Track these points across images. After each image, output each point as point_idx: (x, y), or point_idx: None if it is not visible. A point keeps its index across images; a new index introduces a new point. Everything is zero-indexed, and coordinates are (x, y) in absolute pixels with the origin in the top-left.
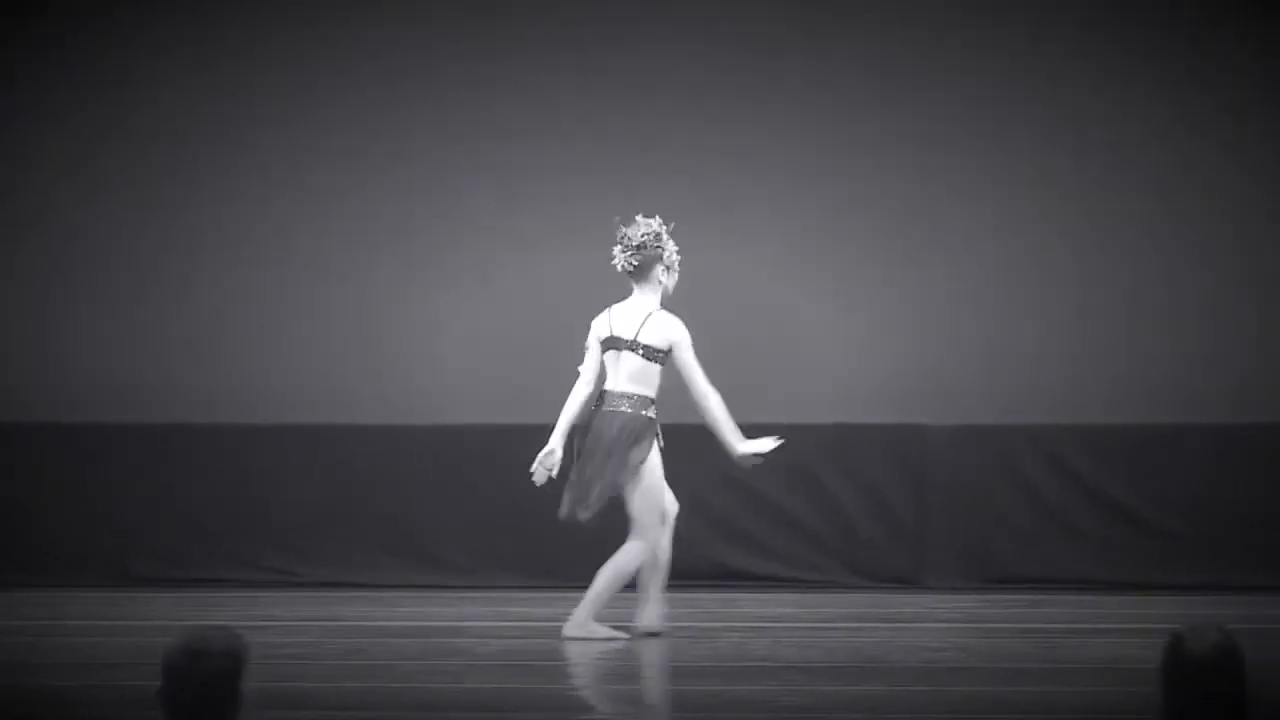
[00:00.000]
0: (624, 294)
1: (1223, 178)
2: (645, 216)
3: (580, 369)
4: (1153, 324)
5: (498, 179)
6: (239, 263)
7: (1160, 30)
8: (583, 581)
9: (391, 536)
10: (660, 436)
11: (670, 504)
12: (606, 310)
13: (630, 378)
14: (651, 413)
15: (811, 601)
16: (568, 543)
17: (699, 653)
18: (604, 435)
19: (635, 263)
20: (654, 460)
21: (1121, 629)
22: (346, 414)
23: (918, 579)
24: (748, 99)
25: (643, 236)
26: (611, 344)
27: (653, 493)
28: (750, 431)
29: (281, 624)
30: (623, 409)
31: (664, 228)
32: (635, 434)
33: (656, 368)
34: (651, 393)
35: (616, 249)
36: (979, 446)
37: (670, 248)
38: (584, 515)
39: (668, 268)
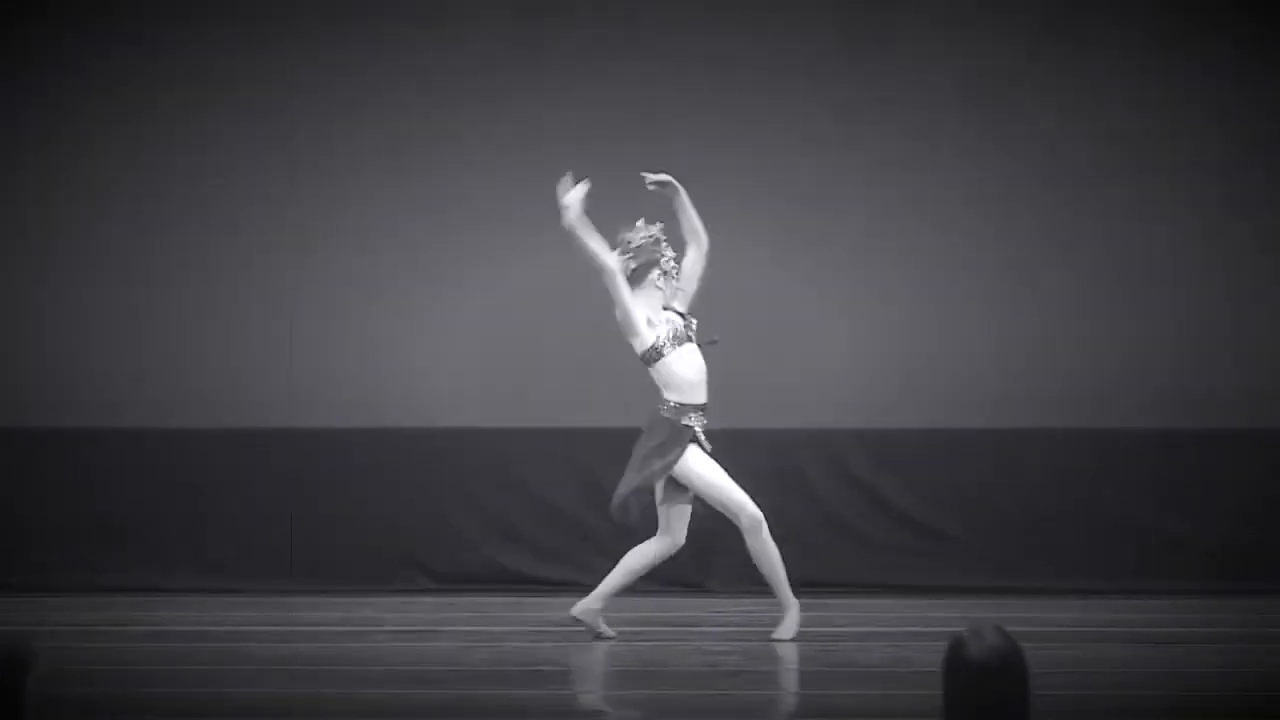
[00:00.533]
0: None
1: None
2: (647, 222)
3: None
4: (925, 329)
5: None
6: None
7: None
8: (352, 584)
9: (181, 542)
10: (701, 439)
11: (749, 507)
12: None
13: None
14: (667, 412)
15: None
16: (353, 547)
17: (483, 657)
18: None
19: (633, 266)
20: (693, 464)
21: (904, 632)
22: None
23: (702, 583)
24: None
25: (641, 240)
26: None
27: (714, 492)
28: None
29: (74, 629)
30: (655, 407)
31: (662, 233)
32: (651, 433)
33: (656, 369)
34: (665, 392)
35: (615, 253)
36: (758, 450)
37: (668, 253)
38: (618, 517)
39: (664, 272)
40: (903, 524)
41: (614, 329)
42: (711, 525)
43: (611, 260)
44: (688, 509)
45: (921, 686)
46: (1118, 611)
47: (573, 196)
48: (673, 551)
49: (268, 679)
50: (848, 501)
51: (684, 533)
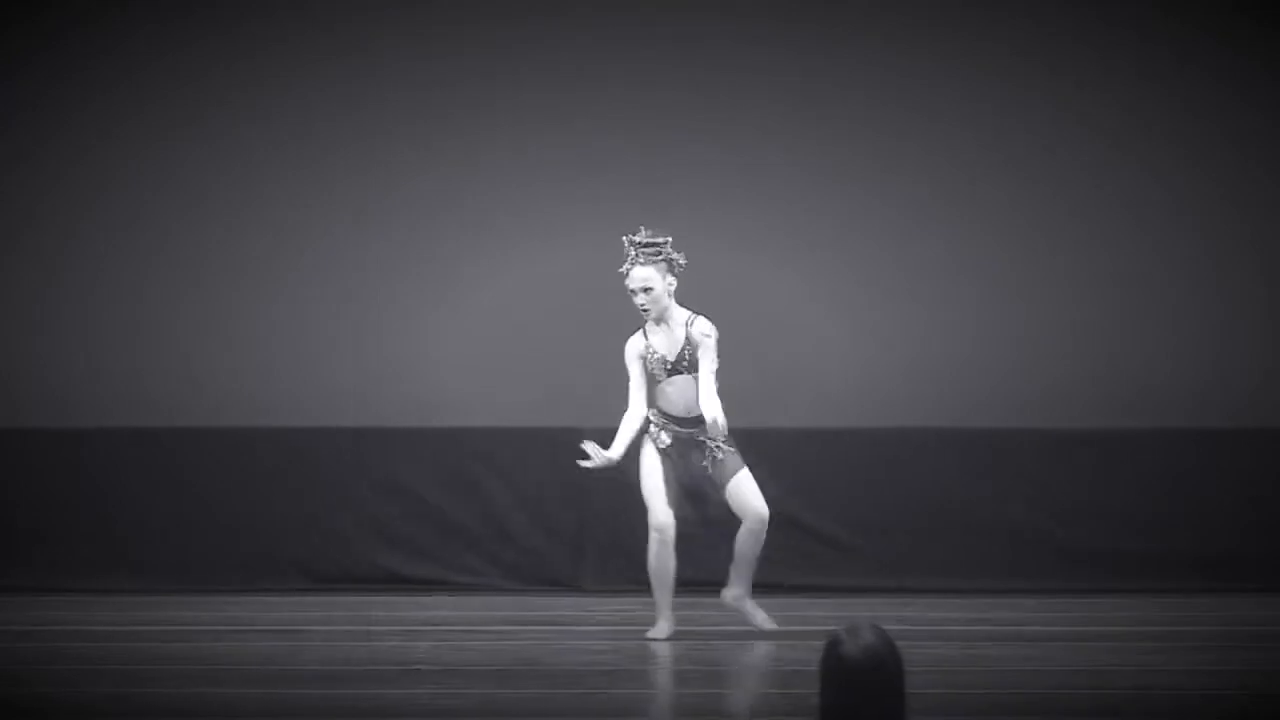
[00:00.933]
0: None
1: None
2: (645, 229)
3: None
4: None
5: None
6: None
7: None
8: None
9: (99, 542)
10: (655, 436)
11: (656, 515)
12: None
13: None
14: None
15: (470, 604)
16: (219, 546)
17: (360, 655)
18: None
19: (682, 264)
20: (643, 458)
21: (783, 631)
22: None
23: (576, 582)
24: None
25: (645, 246)
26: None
27: (641, 488)
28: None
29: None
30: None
31: (662, 238)
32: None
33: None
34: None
35: (626, 263)
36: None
37: (676, 258)
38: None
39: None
40: (785, 523)
41: (496, 326)
42: (584, 524)
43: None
44: (736, 488)
45: (798, 686)
46: (993, 610)
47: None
48: (761, 524)
49: (133, 679)
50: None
51: (755, 504)
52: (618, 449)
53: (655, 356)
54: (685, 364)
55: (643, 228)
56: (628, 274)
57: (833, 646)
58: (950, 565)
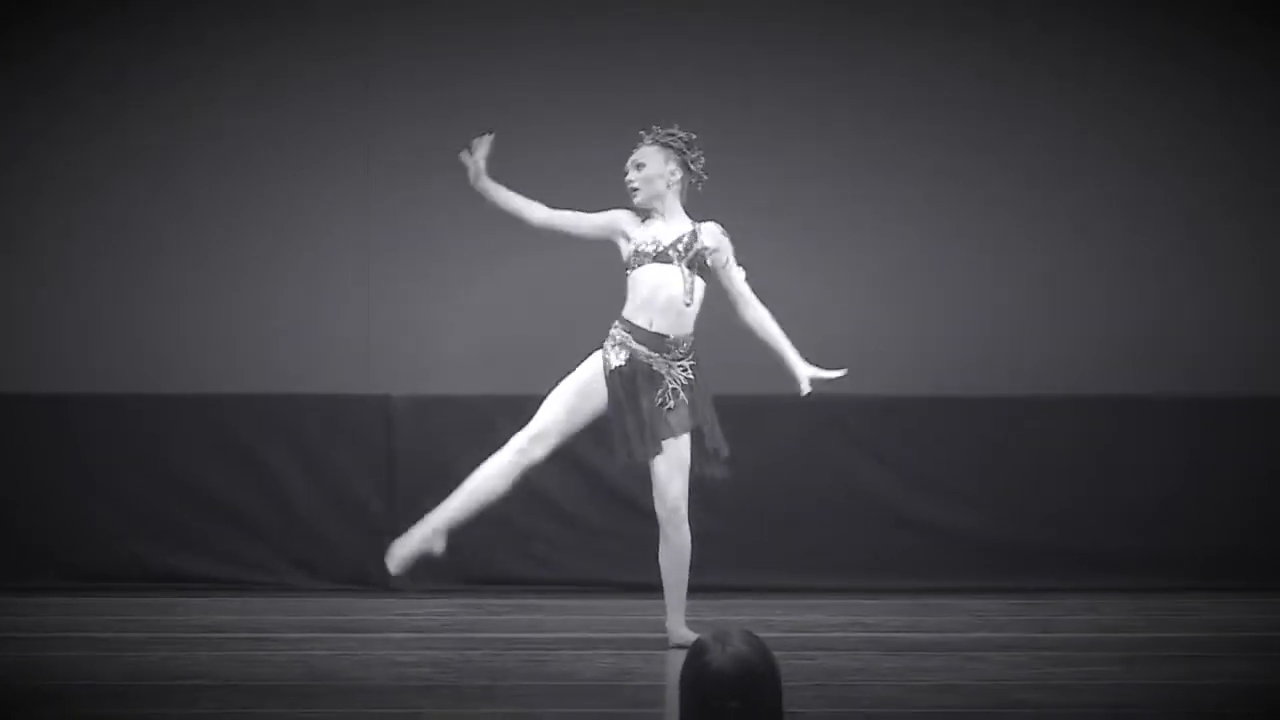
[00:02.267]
0: None
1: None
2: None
3: None
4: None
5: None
6: None
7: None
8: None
9: None
10: (606, 350)
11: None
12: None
13: None
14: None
15: (259, 607)
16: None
17: (120, 668)
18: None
19: (704, 165)
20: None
21: (628, 638)
22: None
23: (385, 580)
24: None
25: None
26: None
27: None
28: None
29: None
30: None
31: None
32: None
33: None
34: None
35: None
36: (448, 417)
37: (695, 159)
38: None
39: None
40: (627, 509)
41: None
42: (394, 510)
43: (539, 212)
44: (668, 457)
45: (648, 704)
46: (883, 613)
47: (474, 158)
48: (670, 519)
49: None
50: (565, 486)
51: (673, 490)
52: (495, 187)
53: (639, 241)
54: (677, 255)
55: (676, 125)
56: None
57: (696, 656)
58: (834, 561)
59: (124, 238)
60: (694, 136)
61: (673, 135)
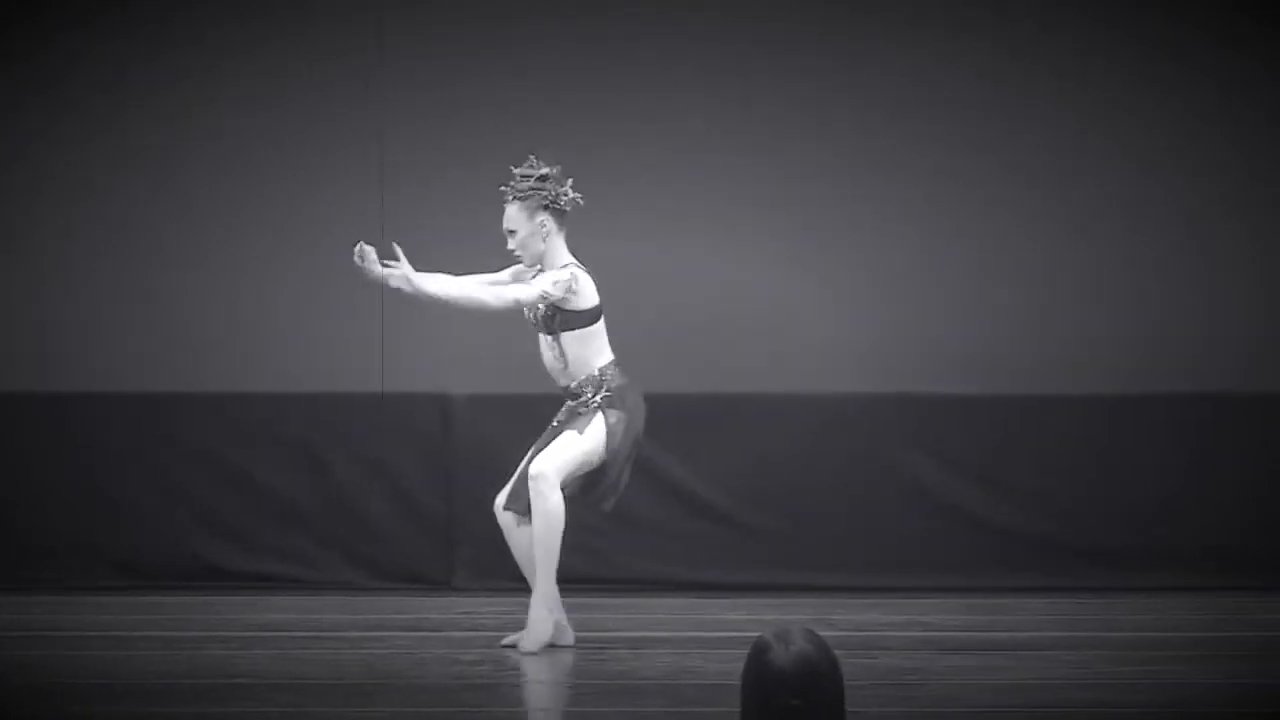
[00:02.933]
0: None
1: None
2: (539, 159)
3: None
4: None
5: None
6: None
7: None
8: None
9: None
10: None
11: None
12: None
13: None
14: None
15: (317, 606)
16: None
17: (176, 667)
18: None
19: (567, 199)
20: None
21: (688, 637)
22: None
23: (447, 580)
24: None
25: (549, 172)
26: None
27: None
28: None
29: None
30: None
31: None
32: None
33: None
34: (600, 357)
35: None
36: (506, 414)
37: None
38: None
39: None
40: (688, 507)
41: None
42: (458, 515)
43: (484, 292)
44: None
45: (707, 702)
46: (942, 612)
47: (393, 271)
48: (534, 483)
49: None
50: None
51: (539, 461)
52: (423, 277)
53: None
54: (534, 323)
55: (532, 156)
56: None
57: (759, 654)
58: (894, 559)
59: (189, 234)
60: (551, 169)
61: (528, 181)
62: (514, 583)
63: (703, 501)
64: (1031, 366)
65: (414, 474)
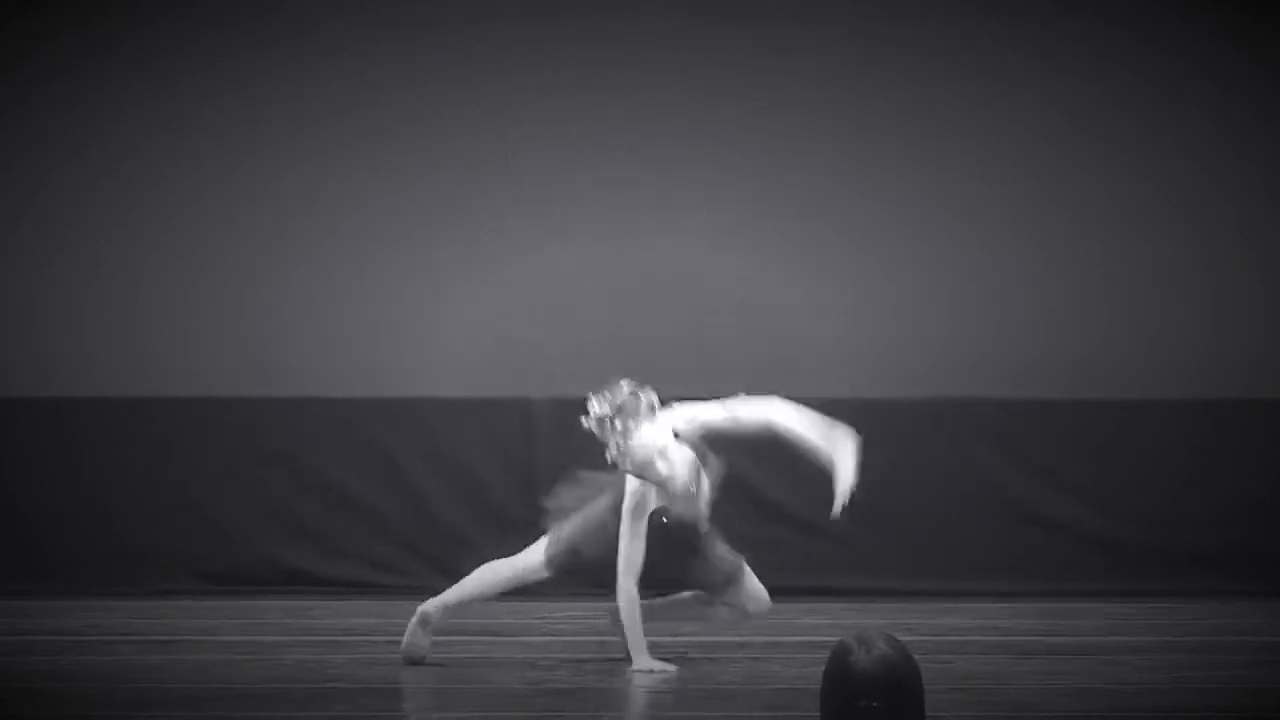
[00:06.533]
0: None
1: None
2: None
3: None
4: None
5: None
6: None
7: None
8: None
9: None
10: None
11: None
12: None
13: None
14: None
15: (396, 611)
16: None
17: (259, 673)
18: None
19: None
20: None
21: (766, 641)
22: None
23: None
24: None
25: (621, 401)
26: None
27: None
28: None
29: None
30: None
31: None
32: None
33: None
34: None
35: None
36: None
37: (647, 398)
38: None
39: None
40: (765, 513)
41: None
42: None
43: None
44: None
45: (787, 707)
46: (1019, 617)
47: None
48: None
49: None
50: None
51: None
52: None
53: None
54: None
55: (593, 401)
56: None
57: (840, 657)
58: (965, 564)
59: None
60: (601, 412)
61: (599, 424)
62: (593, 589)
63: (775, 506)
64: (1124, 371)
65: (495, 478)
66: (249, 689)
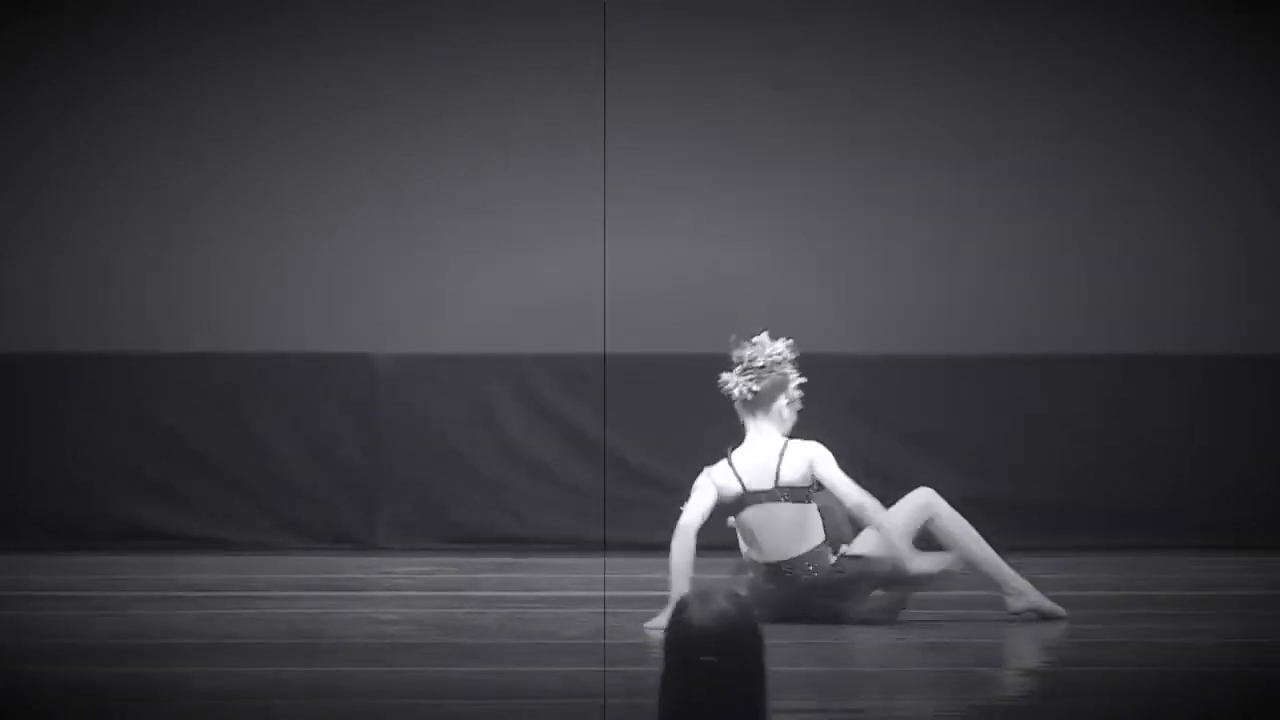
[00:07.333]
0: None
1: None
2: (770, 337)
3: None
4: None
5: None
6: None
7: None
8: None
9: None
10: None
11: None
12: (725, 460)
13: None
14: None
15: (243, 565)
16: None
17: (107, 627)
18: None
19: (756, 389)
20: None
21: (611, 596)
22: None
23: (368, 538)
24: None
25: (768, 358)
26: (751, 499)
27: None
28: None
29: None
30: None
31: (791, 352)
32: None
33: (811, 507)
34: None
35: (734, 373)
36: (432, 376)
37: (795, 377)
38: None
39: (790, 401)
40: (617, 470)
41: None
42: (377, 470)
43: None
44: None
45: (630, 661)
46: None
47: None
48: None
49: None
50: (544, 443)
51: None
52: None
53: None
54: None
55: (764, 335)
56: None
57: (678, 613)
58: None
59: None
60: (765, 350)
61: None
62: (435, 543)
63: (620, 460)
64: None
65: (339, 434)
66: (101, 643)
